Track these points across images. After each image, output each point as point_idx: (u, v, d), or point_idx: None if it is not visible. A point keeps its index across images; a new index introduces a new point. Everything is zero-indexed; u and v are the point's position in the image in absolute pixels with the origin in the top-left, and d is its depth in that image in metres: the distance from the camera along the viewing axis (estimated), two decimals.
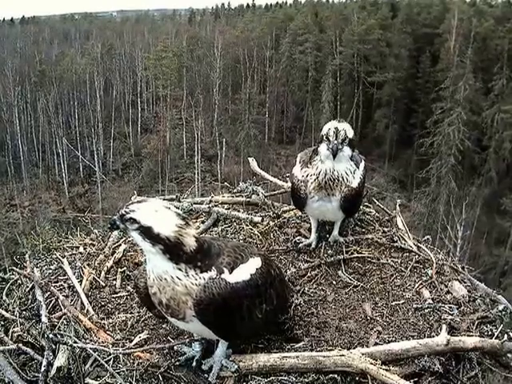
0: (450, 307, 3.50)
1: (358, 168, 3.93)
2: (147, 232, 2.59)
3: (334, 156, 3.67)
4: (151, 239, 2.59)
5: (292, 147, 49.43)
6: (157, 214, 2.61)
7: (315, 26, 55.49)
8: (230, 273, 2.73)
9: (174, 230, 2.60)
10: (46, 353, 3.00)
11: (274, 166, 40.53)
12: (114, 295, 3.78)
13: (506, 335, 3.27)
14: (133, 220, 2.60)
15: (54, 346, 3.04)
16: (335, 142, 3.66)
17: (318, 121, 43.86)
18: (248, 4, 76.46)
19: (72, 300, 3.62)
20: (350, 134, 3.74)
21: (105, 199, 44.28)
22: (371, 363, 2.86)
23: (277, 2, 74.67)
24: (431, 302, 3.56)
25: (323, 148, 3.73)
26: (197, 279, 2.65)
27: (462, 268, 4.05)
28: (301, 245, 4.21)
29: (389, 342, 3.17)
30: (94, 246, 4.44)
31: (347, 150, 3.74)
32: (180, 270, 2.63)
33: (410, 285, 3.79)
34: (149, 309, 3.05)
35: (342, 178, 3.80)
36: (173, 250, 2.60)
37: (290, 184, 4.30)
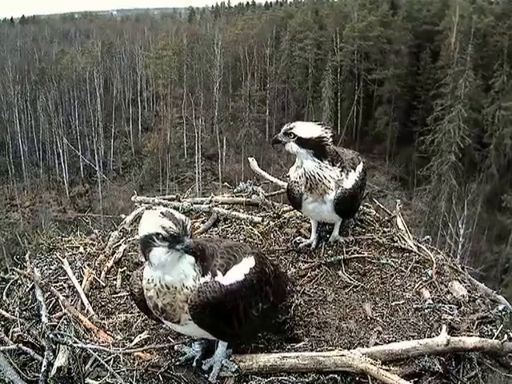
0: (450, 307, 3.50)
1: (354, 170, 3.93)
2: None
3: (272, 144, 3.89)
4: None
5: None
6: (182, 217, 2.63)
7: (315, 23, 55.38)
8: (224, 275, 2.73)
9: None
10: (46, 353, 3.01)
11: (276, 165, 40.41)
12: (114, 295, 3.78)
13: (506, 335, 3.26)
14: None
15: (54, 346, 3.04)
16: (278, 133, 3.78)
17: (319, 118, 43.77)
18: (248, 2, 75.91)
19: (72, 300, 3.62)
20: (303, 133, 3.68)
21: (105, 198, 44.32)
22: (371, 363, 2.86)
23: (277, 1, 74.27)
24: (431, 302, 3.56)
25: None
26: (195, 285, 2.66)
27: (462, 268, 4.05)
28: (301, 245, 4.20)
29: (389, 342, 3.17)
30: (94, 246, 4.44)
31: (293, 146, 3.73)
32: (194, 271, 2.64)
33: (410, 285, 3.79)
34: (146, 314, 3.02)
35: (320, 176, 3.77)
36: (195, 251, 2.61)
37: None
